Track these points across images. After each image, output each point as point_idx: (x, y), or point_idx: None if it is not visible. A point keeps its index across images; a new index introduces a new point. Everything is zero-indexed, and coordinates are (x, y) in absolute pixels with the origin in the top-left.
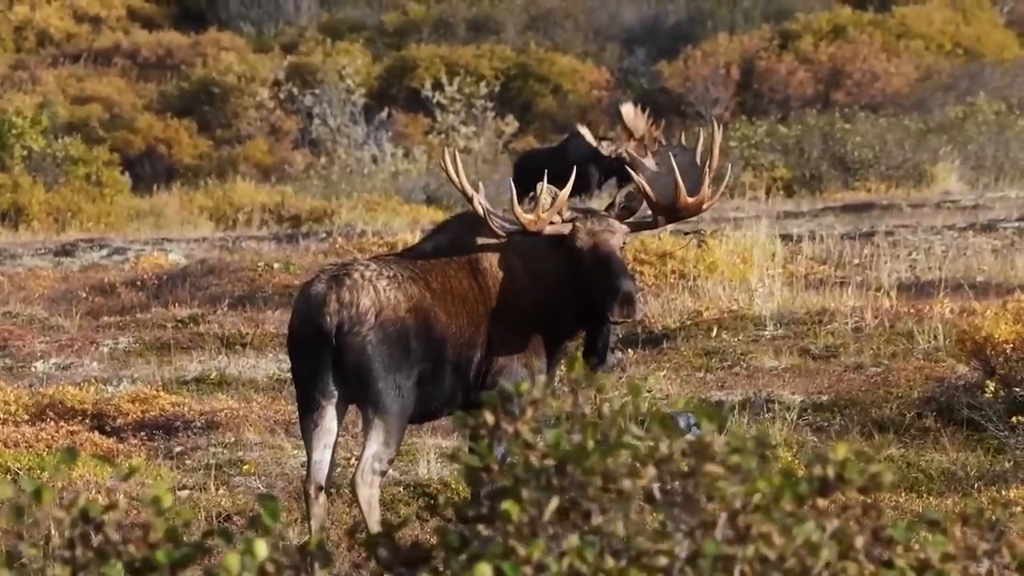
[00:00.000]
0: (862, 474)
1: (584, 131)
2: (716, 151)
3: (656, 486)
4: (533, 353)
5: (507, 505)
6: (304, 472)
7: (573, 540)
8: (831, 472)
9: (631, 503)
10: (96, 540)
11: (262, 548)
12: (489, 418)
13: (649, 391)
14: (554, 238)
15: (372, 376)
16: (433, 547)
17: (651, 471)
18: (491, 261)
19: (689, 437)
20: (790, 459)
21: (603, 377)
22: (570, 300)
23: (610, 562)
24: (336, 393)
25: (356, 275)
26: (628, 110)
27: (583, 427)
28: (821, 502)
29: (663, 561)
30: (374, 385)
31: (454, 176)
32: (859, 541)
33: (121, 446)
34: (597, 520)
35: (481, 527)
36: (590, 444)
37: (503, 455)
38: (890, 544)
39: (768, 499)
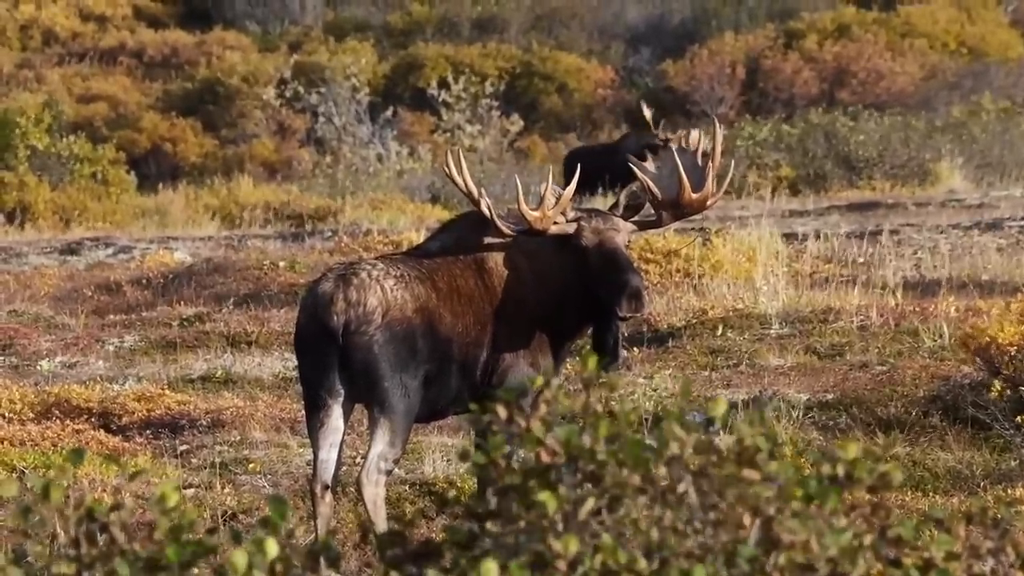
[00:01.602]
0: (871, 473)
1: (647, 112)
2: (718, 149)
3: (692, 488)
4: (539, 352)
5: (544, 497)
6: (310, 471)
7: (607, 538)
8: (841, 471)
9: (669, 502)
10: (102, 539)
11: (273, 547)
12: (502, 413)
13: (655, 390)
14: (559, 237)
15: (378, 375)
16: (443, 544)
17: (687, 471)
18: (496, 260)
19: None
20: (796, 457)
21: (616, 376)
22: (575, 299)
23: (642, 562)
24: (342, 392)
25: (363, 274)
26: (694, 137)
27: (598, 423)
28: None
29: (695, 563)
30: (380, 384)
31: (457, 177)
32: (868, 540)
33: (127, 445)
34: (631, 517)
35: (490, 524)
36: (630, 441)
37: (510, 452)
38: (898, 543)
39: (802, 506)
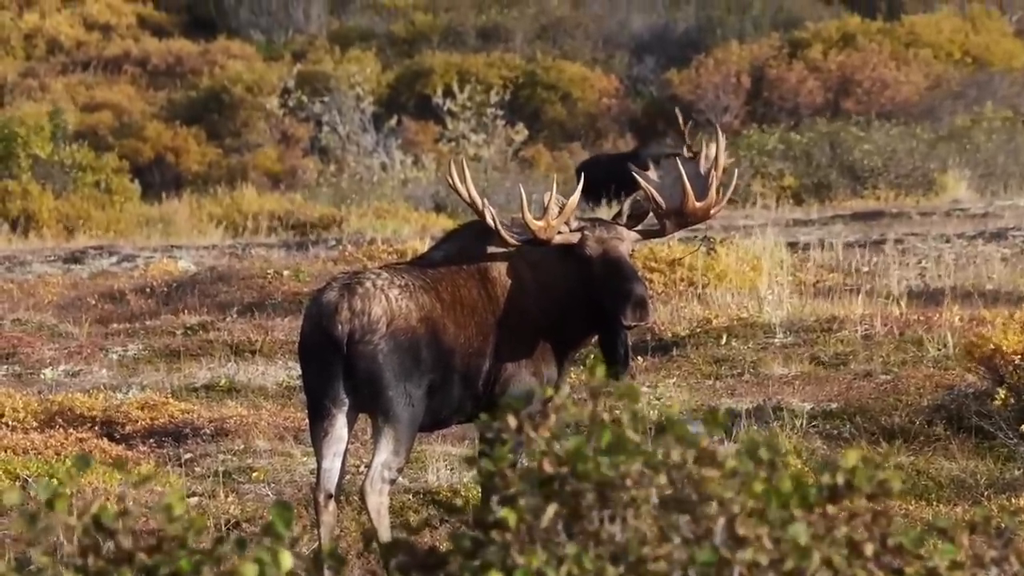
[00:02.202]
0: (871, 481)
1: (681, 120)
2: (721, 158)
3: (655, 492)
4: (541, 361)
5: (504, 513)
6: (314, 480)
7: (571, 548)
8: (840, 479)
9: (633, 510)
10: (107, 547)
11: (287, 559)
12: (511, 422)
13: (659, 398)
14: (563, 247)
15: (383, 385)
16: (448, 552)
17: (661, 478)
18: (500, 270)
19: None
20: (800, 466)
21: (627, 385)
22: (579, 309)
23: (609, 570)
24: (347, 401)
25: (368, 284)
26: (713, 148)
27: (592, 432)
28: (830, 509)
29: (662, 567)
30: (385, 394)
31: (460, 187)
32: (868, 548)
33: (130, 453)
34: (595, 527)
35: (496, 532)
36: (595, 449)
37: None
38: (900, 552)
39: (763, 503)
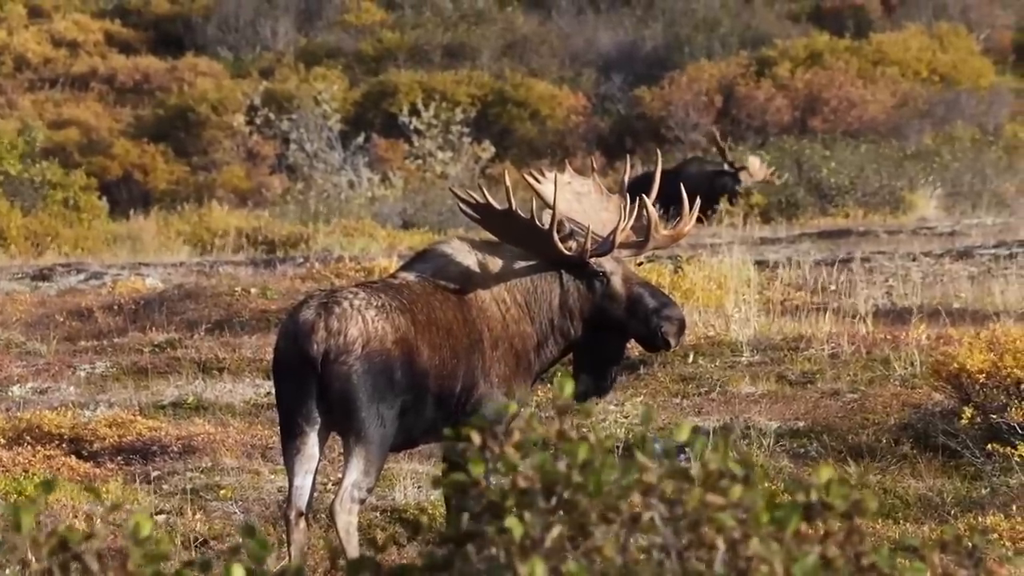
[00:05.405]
0: (845, 499)
1: (718, 141)
2: (654, 190)
3: (658, 513)
4: (514, 382)
5: (510, 523)
6: (283, 497)
7: (571, 564)
8: (815, 497)
9: (634, 528)
10: (75, 568)
11: (240, 574)
12: (476, 439)
13: (626, 417)
14: (573, 266)
15: (356, 405)
16: (415, 570)
17: (660, 498)
18: (477, 292)
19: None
20: (766, 485)
21: (590, 404)
22: (559, 328)
23: None
24: (319, 419)
25: (345, 304)
26: (755, 163)
27: (574, 449)
28: (803, 527)
29: None
30: (357, 414)
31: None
32: (840, 566)
33: (98, 471)
34: (596, 542)
35: (469, 547)
36: (595, 470)
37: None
38: (872, 570)
39: (770, 531)
